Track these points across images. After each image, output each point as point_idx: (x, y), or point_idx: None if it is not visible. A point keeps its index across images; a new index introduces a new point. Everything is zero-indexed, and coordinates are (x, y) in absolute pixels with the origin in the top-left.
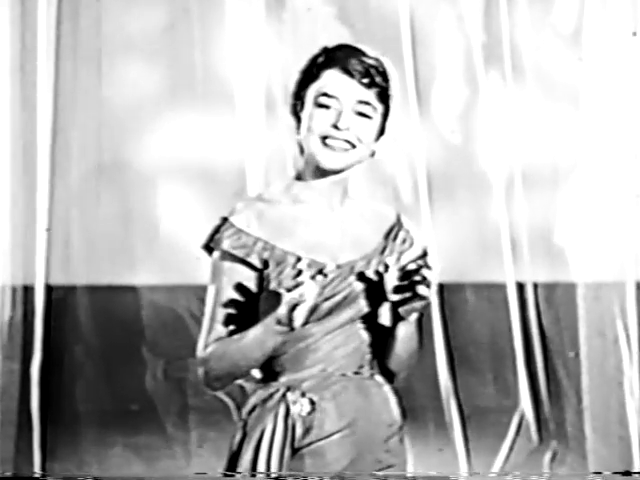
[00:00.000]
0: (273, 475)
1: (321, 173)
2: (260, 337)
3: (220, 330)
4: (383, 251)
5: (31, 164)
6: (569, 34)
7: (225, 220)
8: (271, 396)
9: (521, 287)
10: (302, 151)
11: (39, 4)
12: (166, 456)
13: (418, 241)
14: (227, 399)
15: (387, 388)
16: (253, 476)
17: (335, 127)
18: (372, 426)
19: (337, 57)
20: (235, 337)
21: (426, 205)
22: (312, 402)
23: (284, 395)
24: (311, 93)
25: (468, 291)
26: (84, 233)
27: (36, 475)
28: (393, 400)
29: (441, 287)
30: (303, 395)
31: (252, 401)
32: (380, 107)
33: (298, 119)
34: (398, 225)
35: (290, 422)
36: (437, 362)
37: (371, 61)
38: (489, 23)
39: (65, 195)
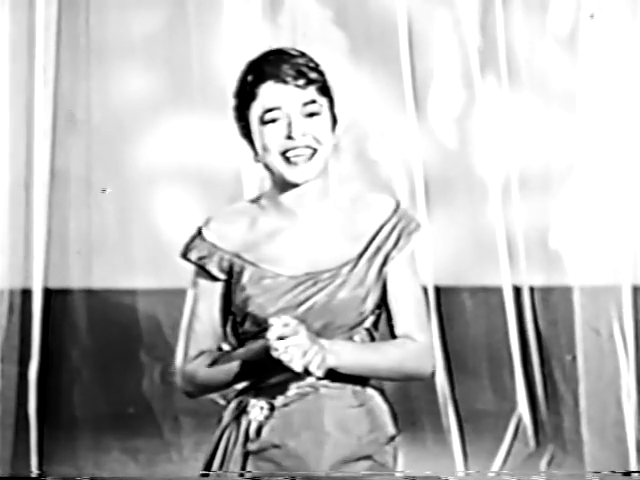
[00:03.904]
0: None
1: (292, 186)
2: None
3: (200, 342)
4: (356, 264)
5: (29, 166)
6: (565, 38)
7: (199, 232)
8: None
9: (517, 291)
10: (269, 169)
11: (38, 8)
12: (162, 459)
13: (424, 227)
14: (223, 402)
15: (374, 403)
16: (209, 475)
17: (289, 137)
18: (337, 443)
19: (267, 69)
20: (224, 353)
21: (423, 209)
22: (272, 408)
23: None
24: (255, 113)
25: (465, 295)
26: (82, 237)
27: (33, 476)
28: (378, 416)
29: (438, 290)
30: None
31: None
32: (324, 99)
33: (251, 141)
34: (395, 218)
35: (244, 424)
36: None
37: (300, 60)
38: (485, 27)
39: (63, 199)
